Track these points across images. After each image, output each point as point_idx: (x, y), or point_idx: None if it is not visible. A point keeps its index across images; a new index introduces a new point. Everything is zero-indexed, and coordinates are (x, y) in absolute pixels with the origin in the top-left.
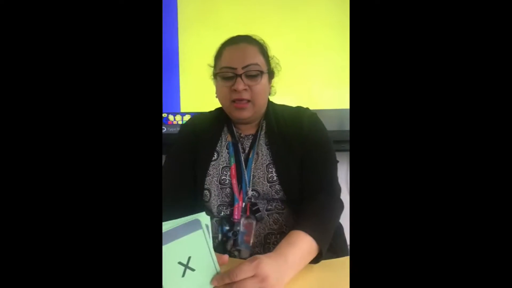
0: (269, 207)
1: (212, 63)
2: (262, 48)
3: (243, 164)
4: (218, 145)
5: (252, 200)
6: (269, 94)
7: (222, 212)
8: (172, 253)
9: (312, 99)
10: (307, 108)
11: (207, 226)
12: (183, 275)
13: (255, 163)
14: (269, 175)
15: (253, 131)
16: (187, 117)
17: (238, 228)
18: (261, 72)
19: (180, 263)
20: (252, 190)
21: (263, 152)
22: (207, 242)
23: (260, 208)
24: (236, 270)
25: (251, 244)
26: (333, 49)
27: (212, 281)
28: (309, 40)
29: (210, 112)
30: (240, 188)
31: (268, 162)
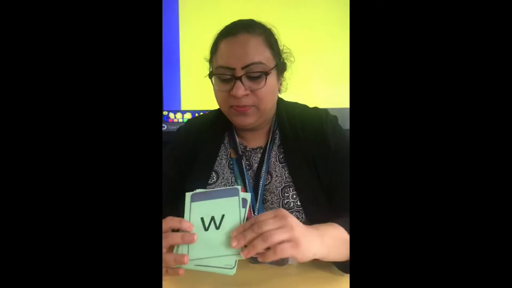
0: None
1: (208, 57)
2: (268, 37)
3: (251, 186)
4: (217, 163)
5: None
6: (279, 91)
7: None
8: (203, 209)
9: (311, 98)
10: (326, 110)
11: (245, 200)
12: (206, 229)
13: (267, 186)
14: (285, 201)
15: (262, 142)
16: (187, 115)
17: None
18: (266, 73)
19: (202, 219)
20: None
21: (277, 171)
22: (239, 210)
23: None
24: (259, 222)
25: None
26: (333, 48)
27: (231, 240)
28: (309, 39)
29: (208, 115)
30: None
31: (283, 184)
